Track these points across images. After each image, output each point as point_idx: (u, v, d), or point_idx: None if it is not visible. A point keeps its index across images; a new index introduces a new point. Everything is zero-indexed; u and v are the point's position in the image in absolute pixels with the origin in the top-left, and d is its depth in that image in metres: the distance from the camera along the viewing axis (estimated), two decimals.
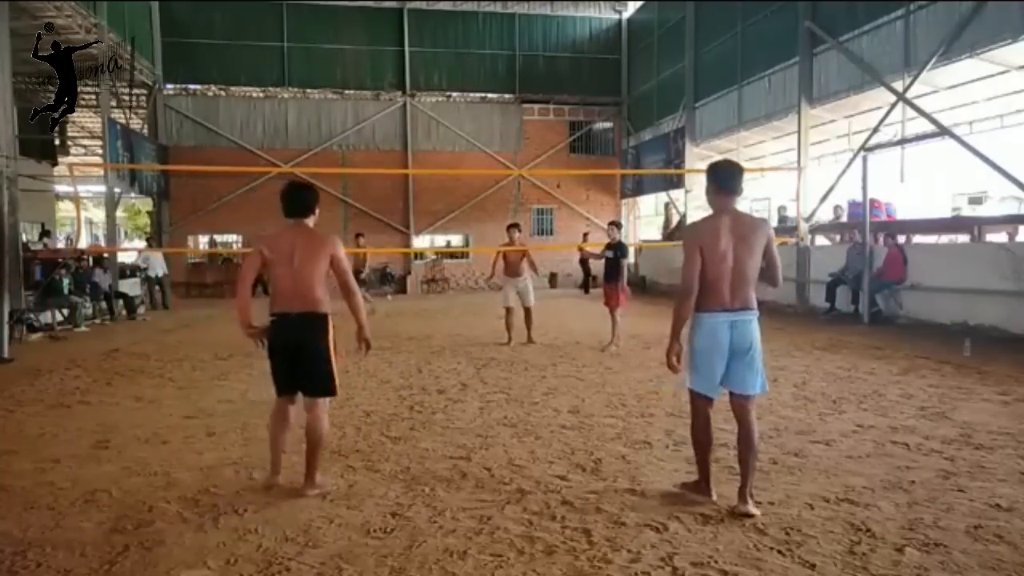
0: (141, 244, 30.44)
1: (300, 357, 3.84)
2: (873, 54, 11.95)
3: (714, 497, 3.68)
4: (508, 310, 10.07)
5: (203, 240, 21.78)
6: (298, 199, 4.01)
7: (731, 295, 3.52)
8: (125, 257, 20.69)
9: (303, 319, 3.84)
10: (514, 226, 10.42)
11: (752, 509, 3.48)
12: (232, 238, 21.64)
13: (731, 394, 3.65)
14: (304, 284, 3.83)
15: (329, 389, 3.91)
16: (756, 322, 3.60)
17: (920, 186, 13.75)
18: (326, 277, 3.89)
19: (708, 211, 3.75)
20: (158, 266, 16.77)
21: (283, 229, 4.01)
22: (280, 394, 3.99)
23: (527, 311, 10.06)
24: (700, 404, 3.70)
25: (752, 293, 3.58)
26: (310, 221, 4.01)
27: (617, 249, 9.38)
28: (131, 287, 15.70)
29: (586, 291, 19.48)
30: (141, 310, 14.43)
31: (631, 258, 22.87)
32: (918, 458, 4.38)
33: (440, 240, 23.49)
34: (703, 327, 3.57)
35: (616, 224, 9.86)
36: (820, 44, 13.23)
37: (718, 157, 19.04)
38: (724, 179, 3.64)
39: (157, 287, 16.70)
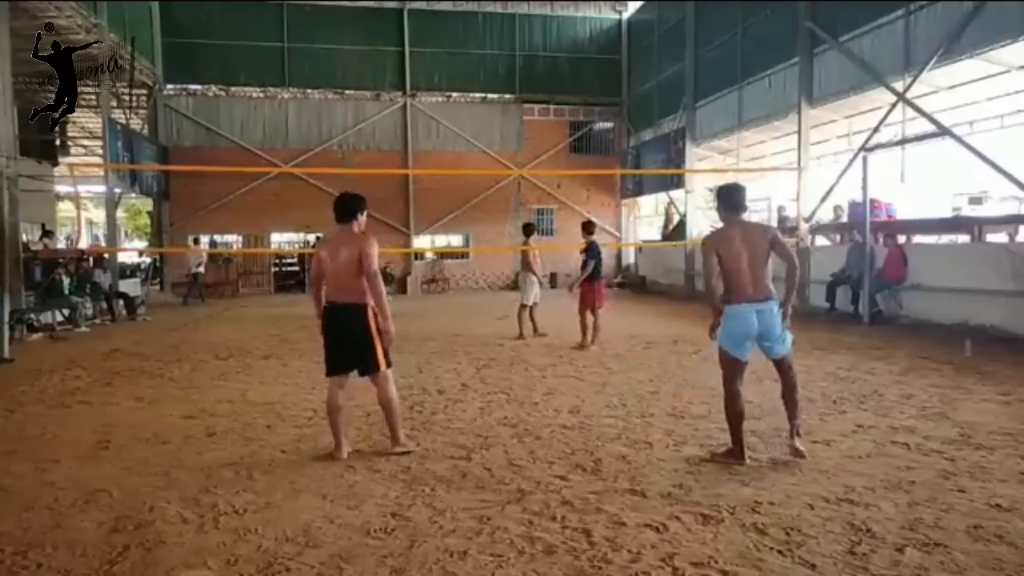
0: (142, 244, 30.46)
1: (348, 341, 4.49)
2: (873, 54, 11.94)
3: (746, 462, 4.26)
4: (525, 308, 10.49)
5: (203, 240, 21.77)
6: (342, 206, 4.63)
7: (753, 288, 4.27)
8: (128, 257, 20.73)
9: (346, 308, 4.47)
10: (532, 226, 11.17)
11: (800, 446, 4.32)
12: (232, 238, 21.65)
13: (774, 362, 4.47)
14: (344, 278, 4.46)
15: (375, 365, 4.49)
16: (777, 306, 4.33)
17: (920, 186, 13.75)
18: (361, 272, 4.44)
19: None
20: (194, 262, 18.36)
21: (334, 232, 4.68)
22: (329, 374, 4.58)
23: (534, 307, 10.58)
24: (732, 367, 4.37)
25: (770, 284, 4.32)
26: (354, 225, 4.60)
27: (589, 251, 9.66)
28: (131, 287, 15.71)
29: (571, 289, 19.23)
30: (141, 310, 14.42)
31: (631, 258, 22.98)
32: (918, 458, 4.38)
33: (440, 240, 23.49)
34: (734, 316, 4.31)
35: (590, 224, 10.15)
36: (820, 44, 13.23)
37: (718, 157, 19.02)
38: (728, 200, 4.50)
39: (195, 281, 18.32)
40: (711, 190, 26.51)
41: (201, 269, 18.56)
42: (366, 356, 4.48)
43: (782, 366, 4.43)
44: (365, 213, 4.68)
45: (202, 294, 18.40)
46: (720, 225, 4.65)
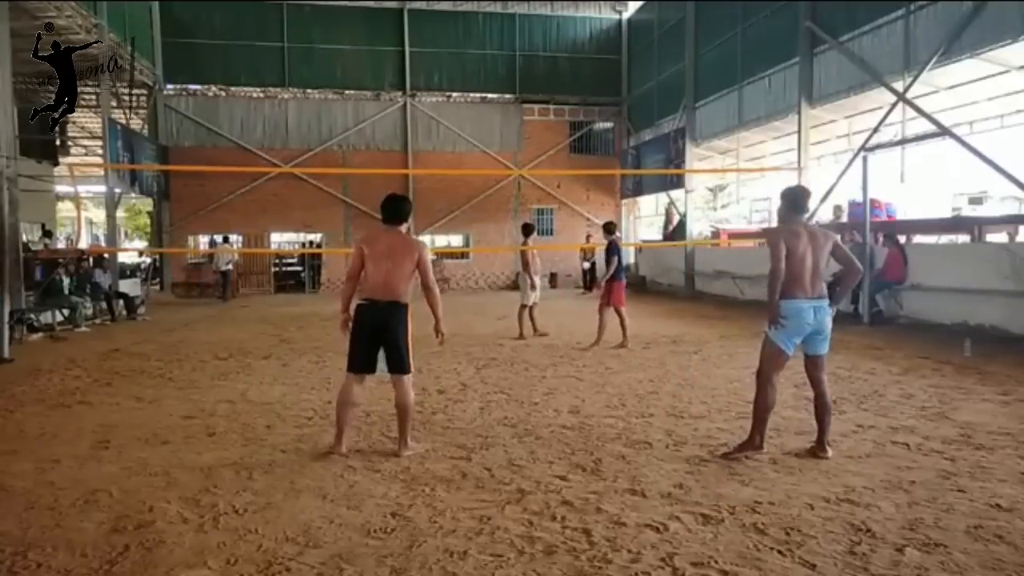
0: (143, 244, 30.47)
1: (382, 338, 4.53)
2: (873, 54, 11.95)
3: (764, 449, 4.42)
4: (525, 308, 10.55)
5: (203, 240, 21.78)
6: (393, 207, 4.69)
7: (811, 286, 4.36)
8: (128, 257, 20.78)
9: (388, 306, 4.52)
10: (531, 226, 11.24)
11: (829, 453, 4.41)
12: (232, 238, 21.65)
13: (806, 356, 4.54)
14: (393, 278, 4.51)
15: (405, 367, 4.57)
16: (830, 309, 4.44)
17: (920, 186, 13.76)
18: (411, 276, 4.56)
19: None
20: (223, 261, 18.75)
21: (380, 231, 4.71)
22: (351, 369, 4.61)
23: (534, 306, 10.63)
24: (777, 359, 4.45)
25: (824, 286, 4.44)
26: (403, 227, 4.70)
27: (615, 248, 9.69)
28: (131, 287, 15.71)
29: (588, 289, 19.37)
30: (142, 310, 14.42)
31: (631, 258, 22.98)
32: (918, 458, 4.39)
33: (440, 240, 23.49)
34: (792, 311, 4.36)
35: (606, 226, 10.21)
36: (820, 44, 13.23)
37: (718, 157, 19.03)
38: (793, 202, 4.58)
39: (222, 278, 18.81)
40: (711, 189, 26.65)
41: (230, 267, 19.00)
42: (400, 354, 4.52)
43: (817, 367, 4.51)
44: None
45: (225, 293, 18.81)
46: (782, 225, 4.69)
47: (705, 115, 17.90)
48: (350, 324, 4.62)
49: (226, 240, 20.46)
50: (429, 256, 4.60)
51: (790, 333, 4.40)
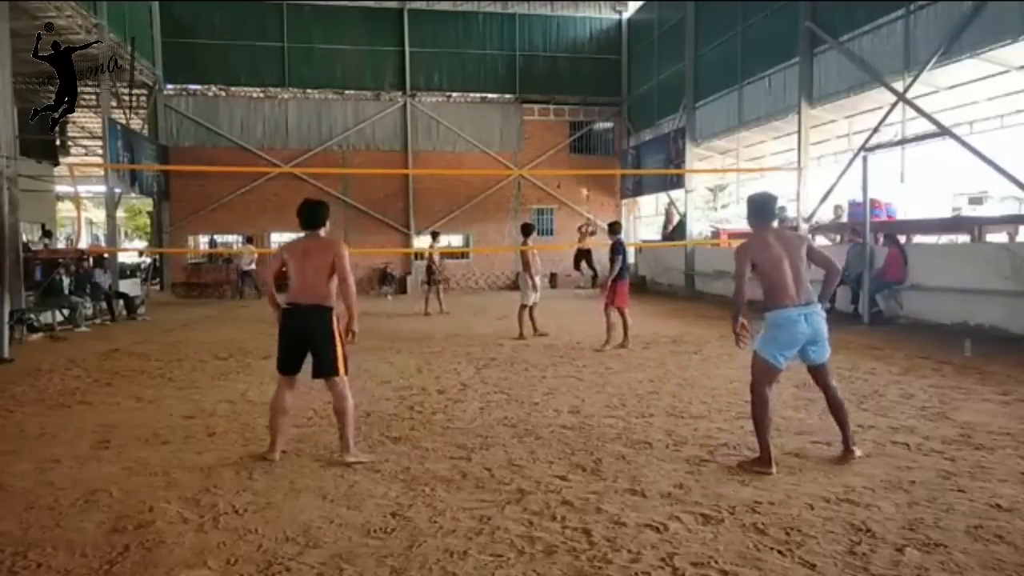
0: (143, 244, 30.50)
1: (307, 341, 4.47)
2: (873, 54, 11.94)
3: (773, 471, 4.12)
4: (525, 308, 10.56)
5: (203, 240, 21.78)
6: (309, 213, 4.68)
7: (797, 292, 4.20)
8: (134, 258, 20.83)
9: (311, 310, 4.46)
10: (531, 226, 11.29)
11: (857, 454, 4.32)
12: (232, 238, 21.65)
13: (810, 368, 4.41)
14: (313, 280, 4.48)
15: (334, 369, 4.47)
16: (822, 312, 4.30)
17: (920, 186, 13.76)
18: (331, 276, 4.49)
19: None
20: (246, 261, 19.22)
21: (299, 239, 4.73)
22: (280, 371, 4.58)
23: (534, 306, 10.64)
24: (768, 374, 4.26)
25: (811, 289, 4.26)
26: (321, 232, 4.68)
27: (620, 248, 9.65)
28: (131, 287, 15.71)
29: (594, 285, 18.61)
30: (142, 310, 14.42)
31: (631, 258, 22.97)
32: (918, 458, 4.39)
33: (440, 240, 23.42)
34: (783, 322, 4.20)
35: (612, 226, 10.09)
36: (820, 44, 13.23)
37: (718, 157, 19.03)
38: (760, 209, 4.44)
39: (243, 278, 19.37)
40: (711, 189, 26.64)
41: (252, 267, 19.39)
42: (327, 357, 4.45)
43: (822, 374, 4.38)
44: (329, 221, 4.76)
45: (242, 291, 19.45)
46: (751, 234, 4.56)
47: (705, 115, 17.90)
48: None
49: (249, 240, 20.64)
50: (346, 252, 4.53)
51: (782, 345, 4.22)
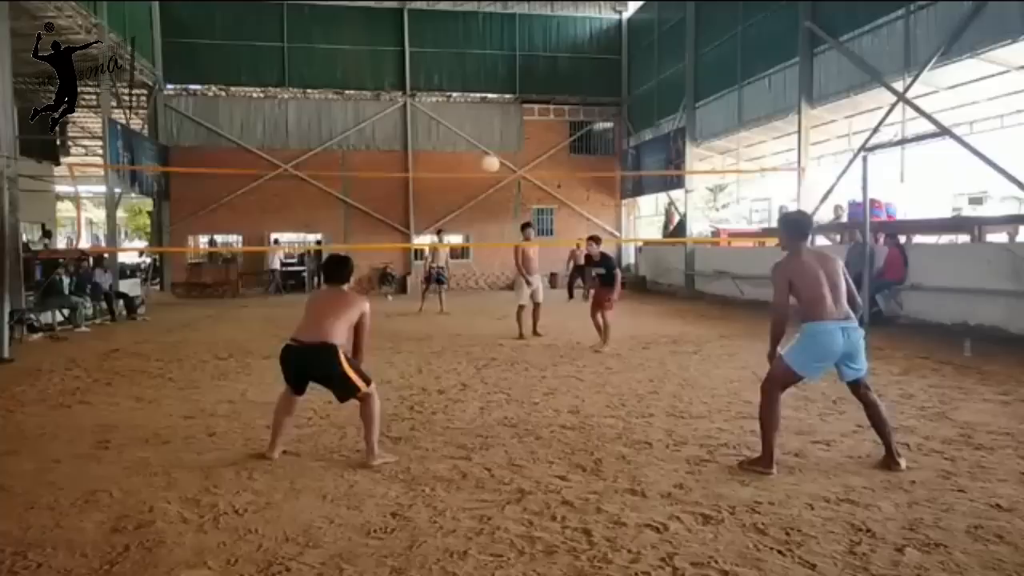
0: (142, 244, 30.51)
1: (312, 377, 4.48)
2: (873, 54, 11.95)
3: (774, 471, 4.10)
4: (523, 308, 10.53)
5: (203, 240, 21.78)
6: (334, 269, 4.73)
7: (835, 306, 4.14)
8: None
9: (314, 349, 4.38)
10: (529, 225, 11.27)
11: (902, 464, 4.18)
12: (232, 238, 21.65)
13: (850, 384, 4.30)
14: (327, 322, 4.42)
15: (354, 391, 4.42)
16: (860, 329, 4.21)
17: (920, 186, 13.76)
18: (347, 328, 4.50)
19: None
20: (276, 259, 20.59)
21: (322, 290, 4.91)
22: (288, 385, 4.59)
23: (537, 306, 10.56)
24: (787, 379, 4.22)
25: (848, 308, 4.19)
26: (344, 287, 4.71)
27: (608, 263, 9.67)
28: (131, 287, 15.71)
29: (571, 296, 18.47)
30: (142, 310, 14.42)
31: (631, 258, 22.97)
32: (918, 458, 4.38)
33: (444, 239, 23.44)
34: (820, 334, 4.11)
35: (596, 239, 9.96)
36: (820, 44, 13.24)
37: (718, 157, 18.97)
38: (795, 228, 4.41)
39: (274, 275, 20.60)
40: (711, 189, 26.60)
41: (279, 267, 20.73)
42: (342, 386, 4.41)
43: (861, 389, 4.29)
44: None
45: (278, 287, 20.45)
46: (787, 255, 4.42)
47: (705, 115, 17.91)
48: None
49: (276, 242, 21.19)
50: (369, 316, 4.54)
51: (813, 356, 4.14)
